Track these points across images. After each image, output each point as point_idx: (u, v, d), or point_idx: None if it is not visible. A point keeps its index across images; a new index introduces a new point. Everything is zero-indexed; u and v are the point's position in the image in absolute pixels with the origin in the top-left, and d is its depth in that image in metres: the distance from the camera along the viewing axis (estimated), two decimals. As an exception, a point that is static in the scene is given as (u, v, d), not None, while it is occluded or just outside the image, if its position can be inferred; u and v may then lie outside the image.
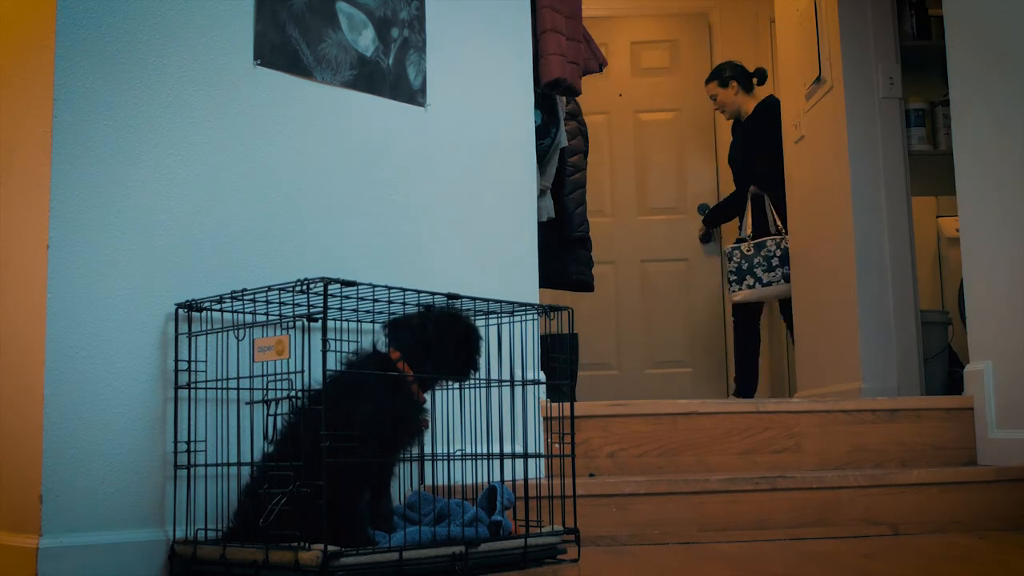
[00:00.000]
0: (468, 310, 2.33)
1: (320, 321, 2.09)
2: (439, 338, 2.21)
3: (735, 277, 4.87)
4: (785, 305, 5.13)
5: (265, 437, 2.15)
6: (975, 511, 2.85)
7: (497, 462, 2.45)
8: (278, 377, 2.11)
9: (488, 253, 2.98)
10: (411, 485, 2.54)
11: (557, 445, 2.59)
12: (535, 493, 2.48)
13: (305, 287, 2.01)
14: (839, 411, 3.21)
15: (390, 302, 2.29)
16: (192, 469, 2.21)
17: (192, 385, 2.23)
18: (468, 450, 2.56)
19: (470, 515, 2.24)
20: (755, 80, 5.36)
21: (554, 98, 3.70)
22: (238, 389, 2.28)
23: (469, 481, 2.59)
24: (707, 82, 5.44)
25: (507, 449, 2.55)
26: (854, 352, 4.27)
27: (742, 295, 4.87)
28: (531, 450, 2.91)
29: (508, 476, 2.53)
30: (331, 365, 2.04)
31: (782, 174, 5.03)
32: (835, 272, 4.47)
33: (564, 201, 3.98)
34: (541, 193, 3.69)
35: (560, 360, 2.83)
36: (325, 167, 2.61)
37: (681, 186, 6.17)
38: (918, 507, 2.82)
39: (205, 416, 2.27)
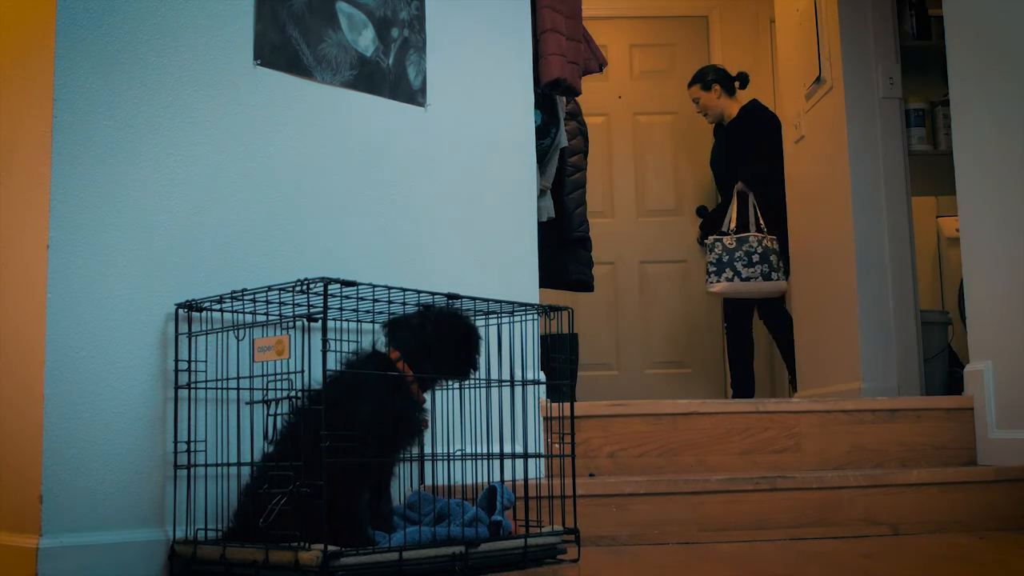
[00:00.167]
0: (468, 310, 2.33)
1: (320, 321, 2.09)
2: (438, 338, 2.21)
3: (715, 269, 4.85)
4: (763, 306, 5.12)
5: (265, 437, 2.15)
6: (975, 511, 2.85)
7: (497, 462, 2.45)
8: (278, 377, 2.11)
9: (488, 253, 2.98)
10: (411, 485, 2.54)
11: (557, 445, 2.59)
12: (535, 493, 2.48)
13: (305, 287, 2.01)
14: (839, 411, 3.21)
15: (390, 302, 2.30)
16: (192, 469, 2.21)
17: (192, 385, 2.23)
18: (468, 450, 2.56)
19: (470, 515, 2.24)
20: (737, 84, 5.36)
21: (554, 98, 3.70)
22: (238, 389, 2.28)
23: (469, 481, 2.59)
24: (689, 85, 5.42)
25: (507, 449, 2.55)
26: (854, 352, 4.27)
27: (720, 287, 4.84)
28: (531, 450, 2.90)
29: (508, 476, 2.53)
30: (331, 365, 2.04)
31: (766, 176, 5.02)
32: (835, 272, 4.47)
33: (564, 201, 3.98)
34: (541, 193, 3.69)
35: (560, 360, 2.83)
36: (325, 167, 2.61)
37: (680, 188, 6.18)
38: (918, 507, 2.82)
39: (205, 416, 2.27)
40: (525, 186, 3.13)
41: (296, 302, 2.22)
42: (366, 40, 2.73)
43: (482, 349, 2.32)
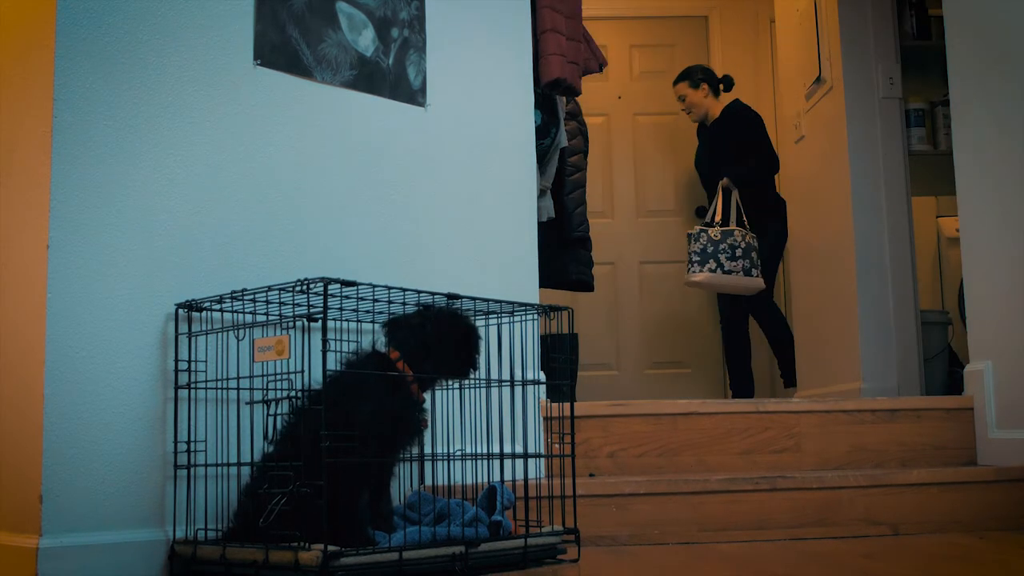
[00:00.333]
0: (468, 310, 2.33)
1: (320, 321, 2.09)
2: (438, 338, 2.21)
3: (698, 259, 4.82)
4: (753, 303, 5.11)
5: (265, 437, 2.15)
6: (975, 511, 2.85)
7: (497, 462, 2.45)
8: (278, 377, 2.11)
9: (488, 253, 2.98)
10: (411, 485, 2.54)
11: (557, 445, 2.59)
12: (535, 493, 2.48)
13: (305, 287, 2.01)
14: (839, 411, 3.21)
15: (390, 302, 2.30)
16: (192, 469, 2.21)
17: (192, 385, 2.23)
18: (468, 450, 2.56)
19: (470, 515, 2.24)
20: (722, 86, 5.36)
21: (554, 98, 3.70)
22: (238, 389, 2.28)
23: (469, 481, 2.59)
24: (676, 82, 5.39)
25: (507, 449, 2.55)
26: (854, 352, 4.27)
27: (701, 277, 4.82)
28: (531, 450, 2.90)
29: (508, 476, 2.53)
30: (331, 365, 2.04)
31: (750, 175, 5.01)
32: (835, 272, 4.47)
33: (564, 201, 3.98)
34: (541, 193, 3.69)
35: (560, 360, 2.83)
36: (325, 167, 2.61)
37: (680, 188, 6.17)
38: (918, 507, 2.82)
39: (205, 416, 2.27)
40: (525, 186, 3.13)
41: (296, 302, 2.22)
42: (366, 40, 2.73)
43: (482, 349, 2.31)
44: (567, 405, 2.50)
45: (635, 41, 6.24)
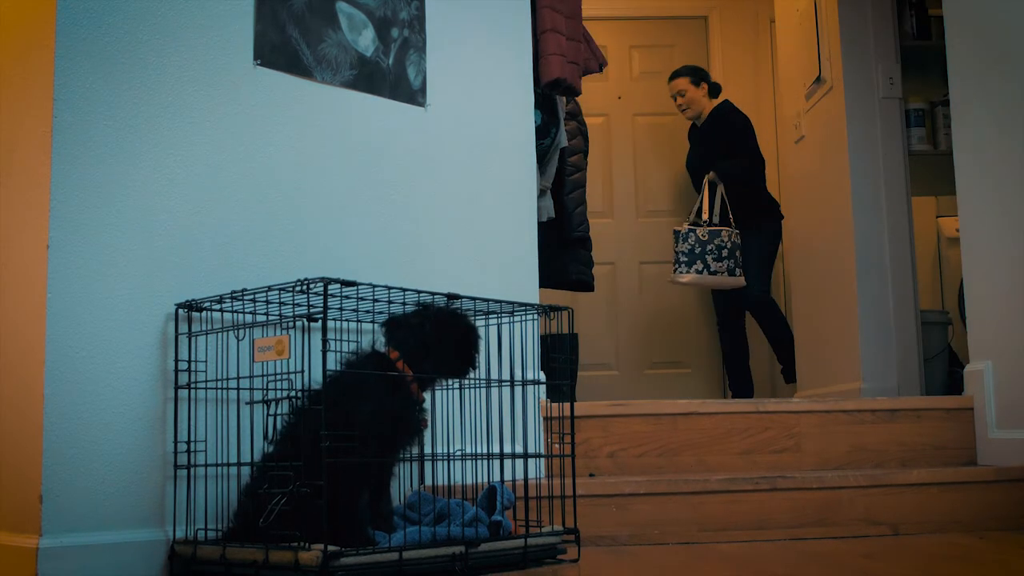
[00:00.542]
0: (468, 310, 2.33)
1: (320, 321, 2.09)
2: (438, 337, 2.21)
3: (686, 259, 4.82)
4: (750, 303, 5.10)
5: (265, 437, 2.15)
6: (975, 511, 2.85)
7: (497, 462, 2.45)
8: (278, 377, 2.11)
9: (488, 253, 2.98)
10: (411, 485, 2.54)
11: (557, 445, 2.59)
12: (535, 493, 2.48)
13: (305, 287, 2.01)
14: (839, 411, 3.21)
15: (390, 302, 2.30)
16: (192, 469, 2.21)
17: (192, 385, 2.23)
18: (468, 450, 2.56)
19: (470, 515, 2.24)
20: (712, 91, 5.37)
21: (554, 98, 3.70)
22: (238, 389, 2.28)
23: (469, 481, 2.59)
24: (675, 77, 5.34)
25: (507, 449, 2.55)
26: (854, 352, 4.27)
27: (688, 278, 4.83)
28: (531, 450, 2.90)
29: (508, 476, 2.53)
30: (331, 365, 2.04)
31: (738, 173, 5.00)
32: (835, 272, 4.47)
33: (564, 201, 3.98)
34: (541, 193, 3.69)
35: (560, 360, 2.83)
36: (325, 167, 2.61)
37: (679, 189, 6.17)
38: (918, 507, 2.82)
39: (205, 416, 2.27)
40: (525, 186, 3.13)
41: (296, 302, 2.22)
42: (366, 40, 2.73)
43: (481, 348, 2.31)
44: (567, 405, 2.50)
45: (635, 41, 6.24)
